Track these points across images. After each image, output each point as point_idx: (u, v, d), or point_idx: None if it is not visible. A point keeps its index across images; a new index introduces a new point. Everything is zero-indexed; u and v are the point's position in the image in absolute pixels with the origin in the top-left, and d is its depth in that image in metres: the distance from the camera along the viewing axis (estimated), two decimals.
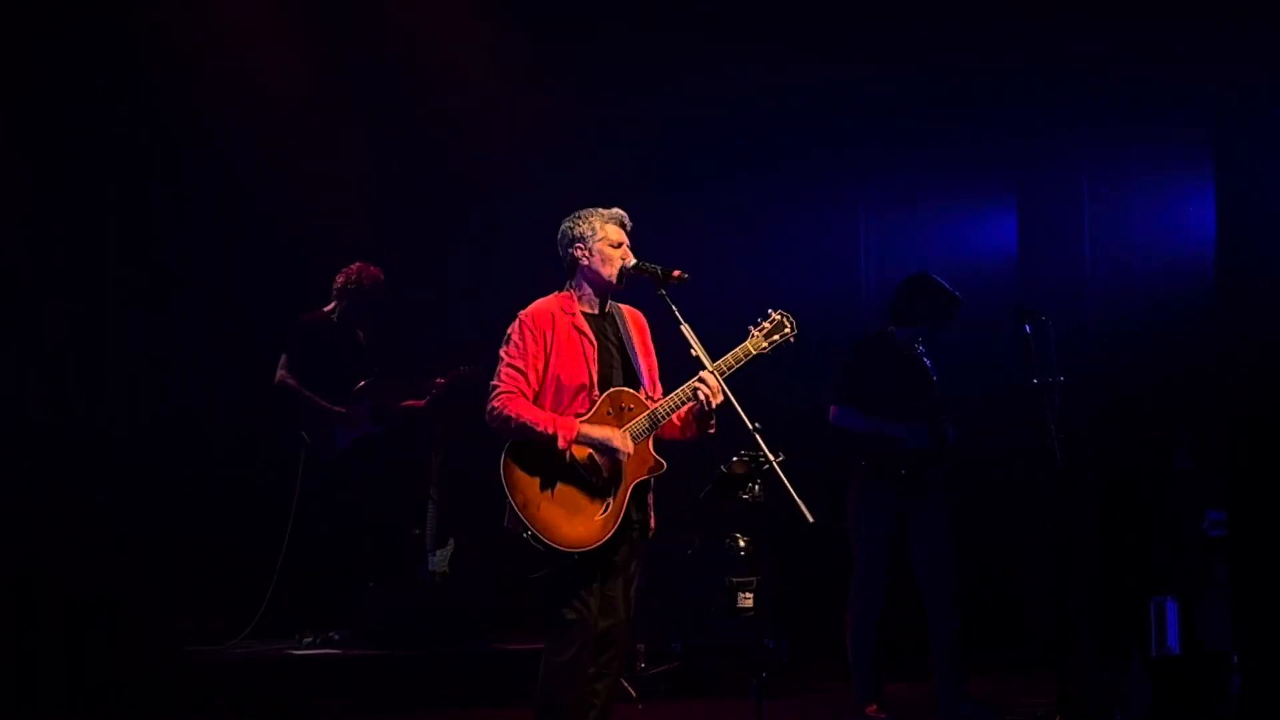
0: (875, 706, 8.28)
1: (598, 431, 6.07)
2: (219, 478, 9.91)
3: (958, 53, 10.04)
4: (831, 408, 8.34)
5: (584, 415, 6.12)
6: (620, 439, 6.07)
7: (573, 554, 6.00)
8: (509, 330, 6.21)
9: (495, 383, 6.12)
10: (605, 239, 6.26)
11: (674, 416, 6.19)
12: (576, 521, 6.03)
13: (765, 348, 6.25)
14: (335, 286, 9.59)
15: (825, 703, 9.22)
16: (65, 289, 9.42)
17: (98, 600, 8.92)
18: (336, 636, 9.12)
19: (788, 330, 6.29)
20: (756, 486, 6.07)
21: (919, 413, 8.20)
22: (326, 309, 9.61)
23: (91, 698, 8.32)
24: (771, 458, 5.91)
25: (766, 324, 6.29)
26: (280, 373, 9.47)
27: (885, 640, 8.34)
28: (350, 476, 9.44)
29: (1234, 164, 9.24)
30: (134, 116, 9.72)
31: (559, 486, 6.04)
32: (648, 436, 6.15)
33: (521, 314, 6.24)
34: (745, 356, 6.22)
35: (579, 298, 6.31)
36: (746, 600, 9.30)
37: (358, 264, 9.59)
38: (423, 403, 9.70)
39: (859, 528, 8.30)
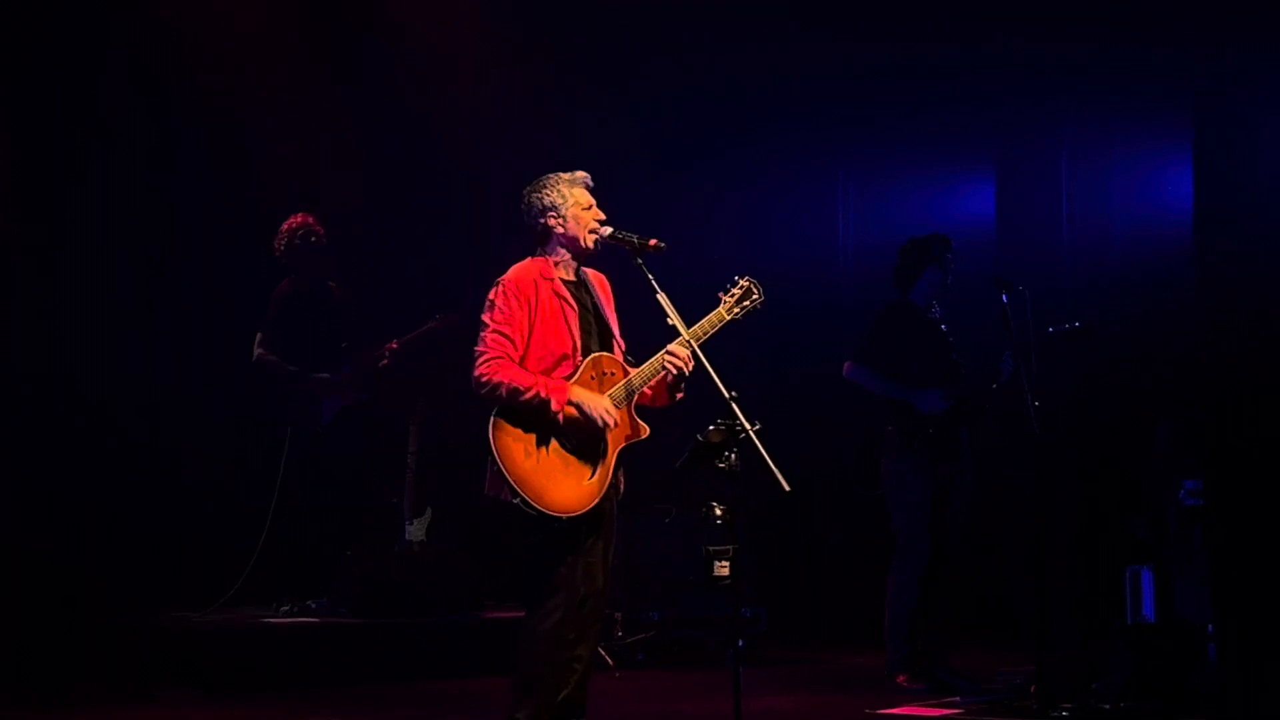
0: (906, 676, 8.28)
1: (589, 399, 6.10)
2: (201, 451, 9.87)
3: (938, 24, 10.02)
4: (846, 364, 8.41)
5: (569, 380, 6.16)
6: (610, 413, 6.11)
7: (562, 518, 6.03)
8: (491, 296, 6.22)
9: (481, 349, 6.12)
10: (576, 203, 6.31)
11: (645, 386, 6.25)
12: (565, 486, 6.06)
13: (737, 314, 6.34)
14: (278, 257, 9.37)
15: (802, 672, 9.26)
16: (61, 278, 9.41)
17: (74, 570, 8.92)
18: (314, 605, 9.10)
19: (755, 297, 6.37)
20: (733, 455, 6.07)
21: (940, 376, 8.26)
22: (287, 280, 9.46)
23: (69, 667, 8.31)
24: (748, 426, 5.92)
25: (736, 290, 6.36)
26: (257, 350, 9.36)
27: (926, 608, 8.34)
28: (336, 448, 9.36)
29: (1213, 136, 9.24)
30: (132, 116, 9.65)
31: (548, 451, 6.07)
32: (625, 405, 6.21)
33: (503, 279, 6.25)
34: (719, 322, 6.31)
35: (555, 263, 6.33)
36: (723, 569, 9.32)
37: (285, 224, 9.35)
38: (395, 345, 9.46)
39: (896, 496, 8.34)
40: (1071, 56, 9.89)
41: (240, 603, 9.26)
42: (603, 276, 6.49)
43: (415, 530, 9.39)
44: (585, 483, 6.10)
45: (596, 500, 6.11)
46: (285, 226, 9.37)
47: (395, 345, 9.48)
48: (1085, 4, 9.53)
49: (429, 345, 9.58)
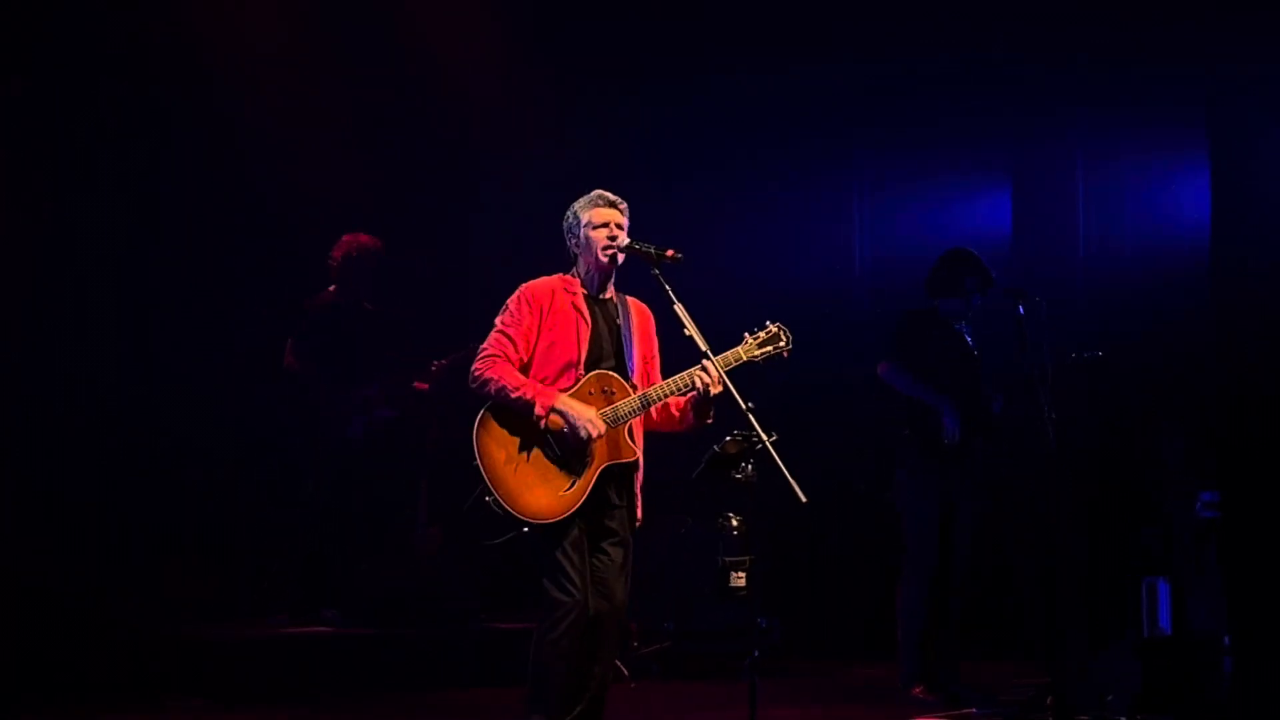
0: (922, 688, 8.25)
1: (575, 407, 6.10)
2: (217, 461, 9.88)
3: (952, 33, 10.03)
4: (881, 364, 8.37)
5: (568, 391, 6.17)
6: (594, 424, 6.09)
7: (530, 524, 6.04)
8: (509, 300, 6.32)
9: (483, 346, 6.23)
10: (589, 223, 6.34)
11: (672, 406, 6.25)
12: (540, 493, 6.08)
13: (758, 356, 6.26)
14: (332, 265, 9.43)
15: (818, 683, 9.24)
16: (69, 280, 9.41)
17: (75, 571, 8.90)
18: (330, 615, 9.10)
19: (782, 344, 6.30)
20: (749, 466, 6.06)
21: (962, 386, 8.25)
22: (330, 290, 9.50)
23: (87, 679, 8.30)
24: (764, 437, 5.90)
25: (762, 333, 6.29)
26: (288, 358, 9.33)
27: (936, 619, 8.30)
28: (362, 461, 9.35)
29: (1228, 143, 9.22)
30: (132, 116, 9.64)
31: (529, 456, 6.10)
32: (636, 417, 6.20)
33: (523, 285, 6.35)
34: (735, 361, 6.23)
35: (582, 280, 6.38)
36: (739, 580, 9.30)
37: (347, 236, 9.40)
38: (428, 386, 9.56)
39: (908, 505, 8.32)
40: (1085, 66, 9.89)
41: (257, 613, 9.27)
42: (645, 308, 6.49)
43: (430, 538, 9.37)
44: (562, 493, 6.10)
45: (571, 512, 6.08)
46: (348, 239, 9.38)
47: (442, 364, 9.45)
48: (1100, 12, 9.53)
49: (454, 370, 9.46)
